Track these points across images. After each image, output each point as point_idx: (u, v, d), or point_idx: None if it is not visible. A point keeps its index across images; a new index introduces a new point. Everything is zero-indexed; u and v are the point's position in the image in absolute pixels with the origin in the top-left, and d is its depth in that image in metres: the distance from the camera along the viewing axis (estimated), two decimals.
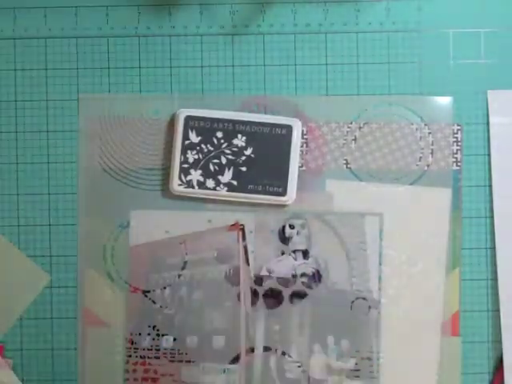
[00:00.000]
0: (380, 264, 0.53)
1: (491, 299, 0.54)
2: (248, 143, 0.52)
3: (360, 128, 0.54)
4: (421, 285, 0.53)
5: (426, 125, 0.54)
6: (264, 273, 0.53)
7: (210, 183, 0.53)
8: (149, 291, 0.54)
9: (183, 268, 0.54)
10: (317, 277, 0.53)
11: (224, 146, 0.52)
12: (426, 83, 0.54)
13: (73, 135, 0.54)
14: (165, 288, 0.54)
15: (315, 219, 0.54)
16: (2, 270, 0.54)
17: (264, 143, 0.52)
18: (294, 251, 0.54)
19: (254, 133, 0.52)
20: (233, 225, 0.54)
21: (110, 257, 0.54)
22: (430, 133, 0.54)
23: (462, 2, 0.54)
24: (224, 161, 0.53)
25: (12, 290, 0.54)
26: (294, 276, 0.53)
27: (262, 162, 0.53)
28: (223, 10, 0.54)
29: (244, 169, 0.53)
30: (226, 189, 0.52)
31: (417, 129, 0.54)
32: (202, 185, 0.53)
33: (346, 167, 0.54)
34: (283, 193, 0.52)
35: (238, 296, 0.53)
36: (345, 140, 0.54)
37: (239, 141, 0.52)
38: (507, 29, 0.54)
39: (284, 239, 0.54)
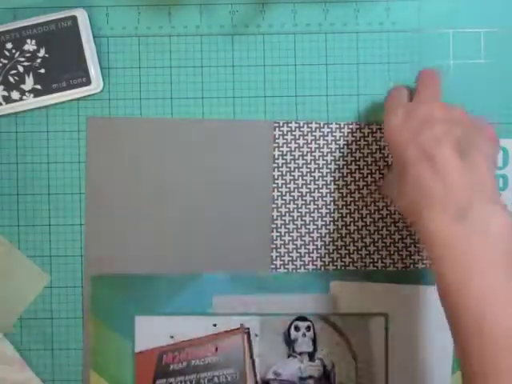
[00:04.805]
0: (386, 363, 0.53)
1: None
2: (39, 45, 0.53)
3: None
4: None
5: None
6: (271, 376, 0.52)
7: (15, 95, 0.53)
8: None
9: (188, 373, 0.53)
10: (323, 380, 0.53)
11: (17, 55, 0.53)
12: None
13: (73, 135, 0.54)
14: None
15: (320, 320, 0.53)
16: (2, 269, 0.54)
17: (54, 41, 0.53)
18: (300, 353, 0.53)
19: (42, 33, 0.53)
20: (237, 328, 0.53)
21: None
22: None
23: (462, 2, 0.54)
24: (21, 69, 0.53)
25: (12, 290, 0.54)
26: (302, 379, 0.52)
27: (58, 58, 0.53)
28: (223, 9, 0.54)
29: (43, 71, 0.53)
30: (32, 95, 0.53)
31: None
32: (8, 99, 0.53)
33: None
34: (87, 82, 0.53)
35: None
36: None
37: (30, 45, 0.53)
38: (507, 29, 0.54)
39: (289, 342, 0.53)
